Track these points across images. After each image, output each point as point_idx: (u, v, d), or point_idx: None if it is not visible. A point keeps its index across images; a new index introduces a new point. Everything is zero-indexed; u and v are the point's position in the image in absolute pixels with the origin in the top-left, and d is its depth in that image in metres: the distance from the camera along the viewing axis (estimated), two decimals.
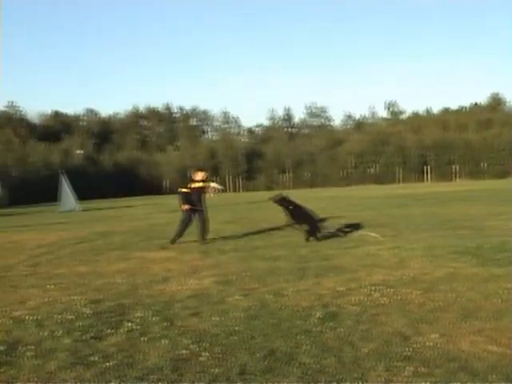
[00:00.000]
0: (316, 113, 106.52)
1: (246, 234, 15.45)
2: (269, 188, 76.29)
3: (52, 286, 9.06)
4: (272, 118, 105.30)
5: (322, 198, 37.47)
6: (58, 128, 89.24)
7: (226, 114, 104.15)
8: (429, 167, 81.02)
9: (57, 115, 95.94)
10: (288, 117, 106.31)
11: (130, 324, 6.44)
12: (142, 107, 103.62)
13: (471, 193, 35.59)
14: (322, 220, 14.88)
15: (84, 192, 47.44)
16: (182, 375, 4.84)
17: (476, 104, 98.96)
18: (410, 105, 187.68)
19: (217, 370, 4.92)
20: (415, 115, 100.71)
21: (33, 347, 5.73)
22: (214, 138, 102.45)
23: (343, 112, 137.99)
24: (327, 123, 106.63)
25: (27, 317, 6.97)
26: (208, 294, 8.01)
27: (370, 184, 77.58)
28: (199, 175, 14.47)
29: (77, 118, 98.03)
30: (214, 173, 72.12)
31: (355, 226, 15.54)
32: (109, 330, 6.25)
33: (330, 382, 4.58)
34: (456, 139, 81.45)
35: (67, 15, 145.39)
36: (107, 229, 19.52)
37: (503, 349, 5.18)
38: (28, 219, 29.62)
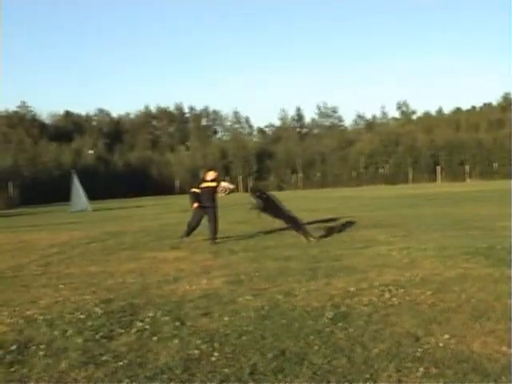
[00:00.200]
0: (327, 113, 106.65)
1: (256, 234, 15.45)
2: (279, 188, 76.36)
3: (63, 286, 9.09)
4: (283, 118, 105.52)
5: (332, 199, 37.43)
6: (69, 128, 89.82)
7: (236, 114, 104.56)
8: (440, 167, 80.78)
9: (68, 115, 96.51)
10: (299, 117, 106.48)
11: (140, 324, 6.45)
12: (153, 107, 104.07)
13: (482, 193, 35.44)
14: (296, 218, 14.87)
15: (95, 192, 47.62)
16: (193, 375, 4.84)
17: (488, 104, 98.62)
18: (422, 105, 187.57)
19: (227, 370, 4.92)
20: (426, 115, 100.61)
21: (44, 346, 5.75)
22: (224, 138, 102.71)
23: (354, 112, 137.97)
24: (338, 123, 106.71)
25: (39, 316, 7.00)
26: (219, 294, 8.01)
27: (380, 184, 77.46)
28: (210, 175, 14.55)
29: (88, 118, 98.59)
30: (225, 173, 72.23)
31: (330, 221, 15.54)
32: (120, 330, 6.27)
33: (340, 383, 4.57)
34: (467, 139, 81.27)
35: (67, 15, 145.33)
36: (118, 229, 19.57)
37: None
38: (39, 219, 29.77)
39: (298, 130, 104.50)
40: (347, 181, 79.72)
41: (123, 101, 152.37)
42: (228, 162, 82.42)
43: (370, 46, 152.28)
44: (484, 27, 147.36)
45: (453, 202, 27.74)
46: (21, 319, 6.92)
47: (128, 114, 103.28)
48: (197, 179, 15.85)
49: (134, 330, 6.23)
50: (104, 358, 5.36)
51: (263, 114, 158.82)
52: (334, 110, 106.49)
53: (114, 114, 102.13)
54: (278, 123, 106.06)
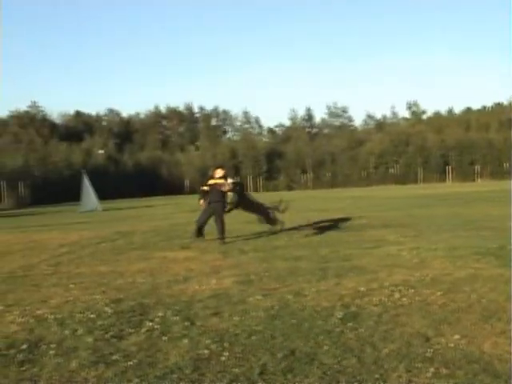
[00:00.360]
0: (337, 113, 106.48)
1: (266, 234, 15.45)
2: (289, 188, 76.35)
3: (73, 286, 9.12)
4: (293, 118, 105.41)
5: (342, 198, 37.37)
6: (79, 128, 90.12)
7: (246, 114, 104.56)
8: (450, 167, 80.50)
9: (78, 115, 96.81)
10: (309, 117, 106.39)
11: (150, 323, 6.47)
12: (163, 107, 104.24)
13: (493, 193, 35.26)
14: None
15: (105, 192, 47.69)
16: (203, 375, 4.85)
17: (498, 104, 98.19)
18: (432, 105, 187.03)
19: (237, 369, 4.93)
20: (437, 115, 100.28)
21: (55, 346, 5.78)
22: (234, 137, 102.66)
23: (364, 112, 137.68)
24: (348, 123, 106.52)
25: (49, 316, 7.03)
26: (228, 293, 8.02)
27: (390, 184, 77.26)
28: (219, 172, 14.69)
29: (98, 118, 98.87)
30: (235, 173, 72.17)
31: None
32: (130, 330, 6.28)
33: (350, 383, 4.57)
34: (478, 139, 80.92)
35: (67, 15, 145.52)
36: (128, 229, 19.61)
37: None
38: (50, 219, 29.87)
39: (307, 129, 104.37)
40: (357, 181, 79.52)
41: (133, 101, 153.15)
42: (238, 161, 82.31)
43: (381, 46, 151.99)
44: (495, 27, 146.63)
45: (463, 202, 27.64)
46: (31, 318, 6.95)
47: (138, 114, 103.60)
48: (206, 177, 16.01)
49: (143, 330, 6.24)
50: (114, 357, 5.38)
51: (273, 114, 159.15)
52: (344, 110, 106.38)
53: (124, 114, 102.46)
54: (287, 123, 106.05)
